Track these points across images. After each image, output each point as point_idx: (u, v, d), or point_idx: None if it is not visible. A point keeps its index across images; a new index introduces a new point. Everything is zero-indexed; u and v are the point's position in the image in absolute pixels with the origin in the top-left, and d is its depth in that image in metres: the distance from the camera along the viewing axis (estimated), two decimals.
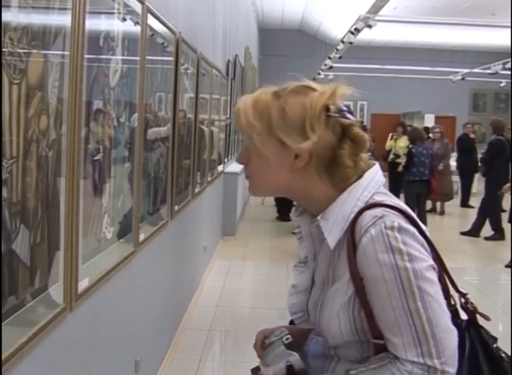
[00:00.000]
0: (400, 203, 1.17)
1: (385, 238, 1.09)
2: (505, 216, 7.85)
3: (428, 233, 1.16)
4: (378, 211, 1.12)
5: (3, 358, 1.35)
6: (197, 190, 4.62)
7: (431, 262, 1.13)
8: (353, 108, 16.13)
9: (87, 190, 1.93)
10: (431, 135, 10.46)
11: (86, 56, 1.80)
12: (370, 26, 8.14)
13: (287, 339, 1.28)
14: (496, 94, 18.03)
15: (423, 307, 1.08)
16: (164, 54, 3.17)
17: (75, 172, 1.75)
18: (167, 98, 3.31)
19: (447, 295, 1.20)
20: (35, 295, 1.54)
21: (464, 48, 16.21)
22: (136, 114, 2.52)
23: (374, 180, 1.19)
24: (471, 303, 1.26)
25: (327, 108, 1.15)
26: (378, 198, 1.16)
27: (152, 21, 2.71)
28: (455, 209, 10.50)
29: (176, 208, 3.65)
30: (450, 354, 1.09)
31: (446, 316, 1.12)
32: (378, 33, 11.46)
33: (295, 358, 1.25)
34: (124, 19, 2.27)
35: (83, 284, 1.88)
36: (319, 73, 14.95)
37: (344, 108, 1.18)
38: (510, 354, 1.26)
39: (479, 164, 9.20)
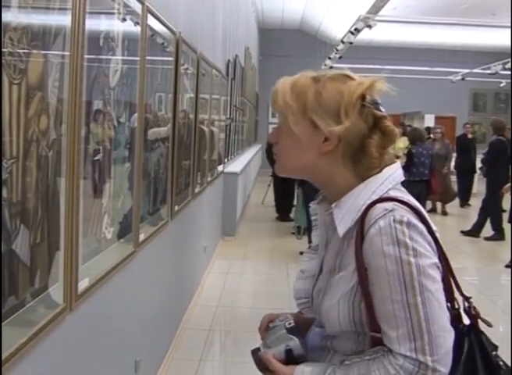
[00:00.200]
0: (414, 201, 1.19)
1: (393, 231, 1.11)
2: (505, 217, 7.85)
3: (437, 234, 1.18)
4: (389, 204, 1.14)
5: (3, 358, 1.35)
6: (197, 190, 4.62)
7: (435, 260, 1.14)
8: None
9: (87, 190, 1.93)
10: (431, 135, 10.47)
11: (86, 56, 1.80)
12: (370, 27, 8.14)
13: (290, 324, 1.30)
14: (495, 94, 18.04)
15: (422, 302, 1.09)
16: (164, 54, 3.17)
17: (75, 172, 1.75)
18: (167, 98, 3.31)
19: (452, 298, 1.21)
20: (35, 295, 1.54)
21: (464, 48, 16.22)
22: (136, 114, 2.52)
23: (392, 176, 1.21)
24: (474, 308, 1.26)
25: (363, 98, 1.18)
26: (393, 194, 1.18)
27: (152, 21, 2.71)
28: (455, 209, 10.50)
29: (176, 208, 3.65)
30: (444, 353, 1.09)
31: (445, 315, 1.12)
32: (378, 34, 11.47)
33: (295, 343, 1.26)
34: (124, 20, 2.27)
35: (83, 284, 1.88)
36: None
37: (378, 101, 1.21)
38: (509, 364, 1.26)
39: (480, 164, 9.20)
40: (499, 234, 8.04)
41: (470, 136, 10.91)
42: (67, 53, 1.67)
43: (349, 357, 1.17)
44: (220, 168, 6.71)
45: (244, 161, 9.58)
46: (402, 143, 9.32)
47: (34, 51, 1.46)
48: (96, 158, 2.01)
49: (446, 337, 1.11)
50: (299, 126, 1.21)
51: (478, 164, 9.77)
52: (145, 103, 2.68)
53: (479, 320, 1.26)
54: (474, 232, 8.15)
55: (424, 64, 14.81)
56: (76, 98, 1.73)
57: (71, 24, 1.68)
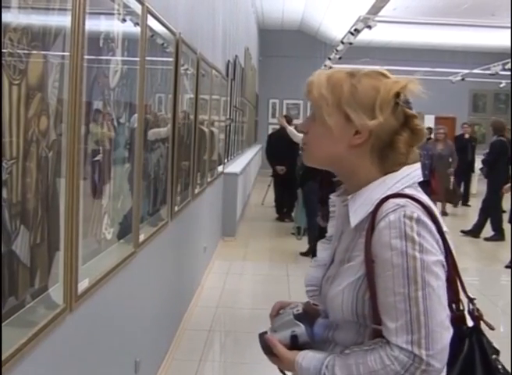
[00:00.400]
0: (427, 200, 1.22)
1: (402, 225, 1.14)
2: (505, 217, 7.85)
3: (447, 236, 1.20)
4: (402, 200, 1.17)
5: (3, 358, 1.34)
6: (196, 190, 4.62)
7: (441, 258, 1.16)
8: None
9: (87, 191, 1.93)
10: (432, 136, 10.48)
11: (86, 57, 1.80)
12: (370, 27, 8.14)
13: (297, 310, 1.33)
14: (495, 94, 18.04)
15: (423, 297, 1.11)
16: (164, 55, 3.17)
17: (75, 172, 1.75)
18: (167, 99, 3.31)
19: (457, 299, 1.23)
20: (35, 296, 1.54)
21: (464, 48, 16.22)
22: (136, 115, 2.52)
23: (410, 175, 1.24)
24: (478, 309, 1.28)
25: (397, 96, 1.23)
26: (408, 191, 1.21)
27: (152, 22, 2.71)
28: (454, 210, 10.50)
29: (176, 208, 3.65)
30: (440, 349, 1.11)
31: (445, 312, 1.14)
32: (378, 34, 11.47)
33: (301, 329, 1.29)
34: (124, 20, 2.27)
35: (83, 285, 1.88)
36: None
37: (410, 101, 1.25)
38: (509, 370, 1.26)
39: (481, 165, 9.21)
40: (499, 235, 8.04)
41: (467, 136, 10.93)
42: (67, 54, 1.67)
43: (349, 347, 1.20)
44: (220, 168, 6.71)
45: (244, 161, 9.59)
46: None
47: (34, 52, 1.46)
48: (96, 158, 2.01)
49: (444, 333, 1.12)
50: (332, 117, 1.24)
51: (478, 164, 9.78)
52: (145, 104, 2.68)
53: (482, 322, 1.27)
54: (475, 232, 8.15)
55: (424, 64, 14.79)
56: (76, 99, 1.73)
57: (71, 25, 1.68)
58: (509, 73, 10.98)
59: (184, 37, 3.58)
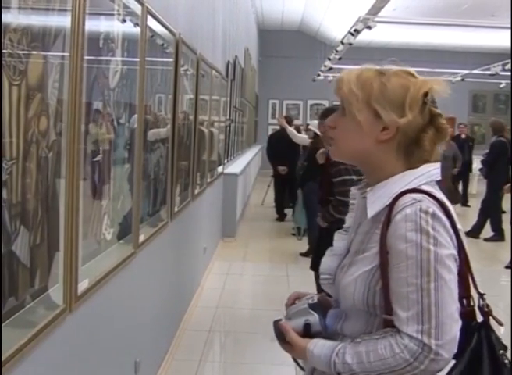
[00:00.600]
0: (444, 198, 1.26)
1: (418, 219, 1.18)
2: (505, 217, 7.85)
3: (462, 233, 1.25)
4: (418, 195, 1.22)
5: (3, 359, 1.34)
6: (196, 191, 4.62)
7: (454, 252, 1.21)
8: None
9: (87, 191, 1.93)
10: None
11: (86, 57, 1.80)
12: (369, 28, 8.13)
13: (312, 300, 1.37)
14: (495, 95, 18.04)
15: (435, 288, 1.16)
16: (164, 55, 3.17)
17: (75, 173, 1.75)
18: (167, 99, 3.31)
19: (468, 294, 1.27)
20: (35, 296, 1.54)
21: (464, 49, 16.21)
22: (136, 115, 2.52)
23: (428, 173, 1.28)
24: (487, 305, 1.31)
25: (425, 95, 1.28)
26: (425, 188, 1.25)
27: (152, 22, 2.71)
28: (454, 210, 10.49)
29: (176, 209, 3.65)
30: (449, 339, 1.15)
31: (455, 305, 1.18)
32: (378, 35, 11.46)
33: (314, 318, 1.33)
34: (124, 21, 2.27)
35: (82, 285, 1.88)
36: (319, 75, 14.96)
37: (435, 100, 1.31)
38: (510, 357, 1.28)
39: (480, 165, 9.21)
40: (498, 235, 8.04)
41: (463, 136, 10.96)
42: (67, 54, 1.67)
43: (359, 336, 1.24)
44: (220, 169, 6.71)
45: (244, 162, 9.59)
46: None
47: (34, 52, 1.46)
48: (96, 159, 2.01)
49: (453, 325, 1.17)
50: (362, 113, 1.28)
51: (477, 165, 9.78)
52: (145, 104, 2.68)
53: (491, 318, 1.31)
54: (474, 233, 8.14)
55: (423, 65, 14.77)
56: (76, 99, 1.73)
57: (71, 25, 1.68)
58: (509, 73, 10.98)
59: (184, 37, 3.58)
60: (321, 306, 1.36)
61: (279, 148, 8.71)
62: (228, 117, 7.46)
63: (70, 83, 1.69)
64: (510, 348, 1.34)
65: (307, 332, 1.32)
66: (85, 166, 1.88)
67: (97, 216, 2.06)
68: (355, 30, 8.55)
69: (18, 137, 1.39)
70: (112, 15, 2.14)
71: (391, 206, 1.23)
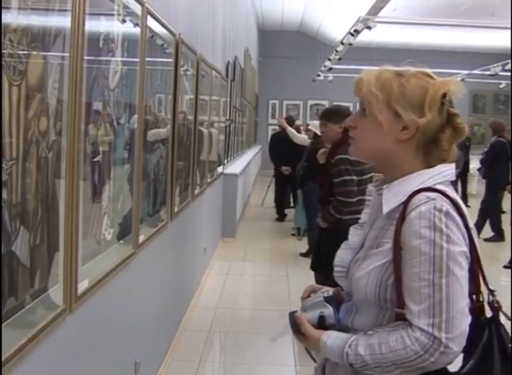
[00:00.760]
0: (457, 198, 1.30)
1: (431, 217, 1.22)
2: (505, 218, 7.85)
3: (474, 232, 1.29)
4: (432, 194, 1.26)
5: (3, 359, 1.34)
6: (196, 191, 4.62)
7: (465, 249, 1.24)
8: (353, 109, 16.10)
9: (87, 191, 1.93)
10: None
11: (85, 58, 1.80)
12: (369, 28, 8.13)
13: (328, 293, 1.42)
14: (495, 95, 18.03)
15: (446, 284, 1.20)
16: (163, 55, 3.17)
17: (75, 173, 1.75)
18: (167, 100, 3.31)
19: (478, 291, 1.31)
20: (35, 297, 1.54)
21: (464, 49, 16.21)
22: (135, 115, 2.52)
23: (443, 173, 1.33)
24: (497, 301, 1.34)
25: (444, 96, 1.32)
26: (439, 187, 1.29)
27: (152, 23, 2.71)
28: None
29: (176, 209, 3.65)
30: (458, 333, 1.19)
31: (465, 300, 1.23)
32: (378, 35, 11.46)
33: (329, 311, 1.38)
34: (124, 21, 2.27)
35: (82, 286, 1.88)
36: (319, 75, 14.96)
37: (452, 101, 1.35)
38: None
39: (479, 165, 9.21)
40: (498, 235, 8.03)
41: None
42: (67, 54, 1.67)
43: (372, 329, 1.29)
44: (220, 169, 6.71)
45: (244, 162, 9.59)
46: None
47: (34, 53, 1.46)
48: (96, 159, 2.01)
49: (463, 319, 1.21)
50: (382, 113, 1.32)
51: (474, 165, 9.78)
52: (145, 104, 2.69)
53: (500, 313, 1.34)
54: None
55: (423, 65, 14.80)
56: (76, 100, 1.73)
57: (71, 25, 1.68)
58: (509, 73, 10.97)
59: (184, 37, 3.58)
60: (336, 300, 1.41)
61: (280, 149, 8.71)
62: (228, 117, 7.46)
63: (70, 84, 1.69)
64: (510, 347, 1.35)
65: (322, 324, 1.36)
66: (85, 167, 1.88)
67: (97, 216, 2.06)
68: (355, 31, 8.54)
69: (18, 137, 1.39)
70: (112, 15, 2.14)
71: (406, 204, 1.27)
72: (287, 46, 17.16)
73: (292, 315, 1.43)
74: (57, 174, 1.65)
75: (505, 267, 6.47)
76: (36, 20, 1.48)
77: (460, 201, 1.30)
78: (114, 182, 2.25)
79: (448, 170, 1.33)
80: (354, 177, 3.78)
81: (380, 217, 1.36)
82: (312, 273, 4.27)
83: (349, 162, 3.78)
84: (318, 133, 5.87)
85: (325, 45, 16.05)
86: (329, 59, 11.95)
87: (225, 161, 7.50)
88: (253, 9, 13.04)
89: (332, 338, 1.31)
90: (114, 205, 2.27)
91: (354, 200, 3.78)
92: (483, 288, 1.33)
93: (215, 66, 5.61)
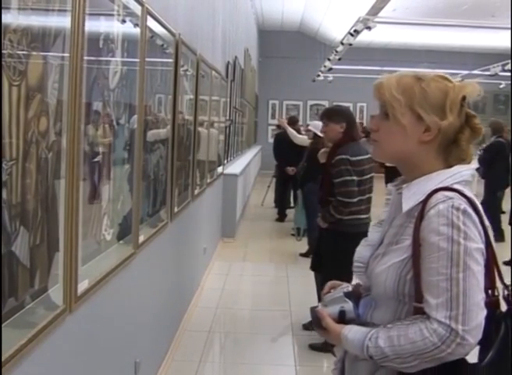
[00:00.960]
0: (473, 197, 1.36)
1: (450, 215, 1.28)
2: (504, 218, 7.85)
3: (489, 230, 1.36)
4: (450, 193, 1.32)
5: (3, 359, 1.34)
6: (196, 191, 4.62)
7: (481, 246, 1.31)
8: (353, 109, 16.09)
9: (87, 192, 1.93)
10: None
11: (85, 58, 1.80)
12: (369, 28, 8.13)
13: (347, 289, 1.48)
14: (495, 95, 18.03)
15: (463, 278, 1.26)
16: (163, 56, 3.17)
17: (74, 174, 1.75)
18: (166, 100, 3.31)
19: (493, 285, 1.36)
20: (35, 297, 1.54)
21: (464, 49, 16.21)
22: (135, 116, 2.52)
23: (460, 174, 1.38)
24: None
25: (463, 99, 1.39)
26: (457, 187, 1.35)
27: (152, 23, 2.71)
28: None
29: (176, 209, 3.65)
30: (474, 326, 1.25)
31: (481, 295, 1.28)
32: (378, 35, 11.47)
33: (349, 306, 1.43)
34: (124, 21, 2.27)
35: (82, 286, 1.88)
36: (319, 75, 14.96)
37: (469, 102, 1.42)
38: None
39: (477, 165, 9.20)
40: (498, 236, 8.03)
41: None
42: (67, 55, 1.67)
43: (391, 322, 1.34)
44: (220, 169, 6.71)
45: (244, 162, 9.58)
46: None
47: (34, 53, 1.46)
48: (95, 159, 2.01)
49: (479, 313, 1.26)
50: (405, 117, 1.38)
51: (474, 165, 9.76)
52: (145, 105, 2.69)
53: None
54: None
55: (423, 66, 14.82)
56: (76, 100, 1.73)
57: (71, 26, 1.68)
58: (508, 74, 10.98)
59: (184, 38, 3.58)
60: (355, 295, 1.46)
61: (283, 149, 8.69)
62: (228, 118, 7.46)
63: (70, 84, 1.69)
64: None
65: (342, 318, 1.42)
66: (85, 167, 1.88)
67: (97, 217, 2.06)
68: (355, 31, 8.55)
69: (18, 137, 1.39)
70: (112, 15, 2.14)
71: (424, 202, 1.32)
72: (287, 46, 17.17)
73: (313, 310, 1.48)
74: (57, 174, 1.65)
75: (505, 263, 6.46)
76: (36, 20, 1.48)
77: (476, 200, 1.35)
78: (114, 182, 2.25)
79: (465, 171, 1.39)
80: (355, 178, 3.78)
81: (399, 215, 1.41)
82: (312, 274, 4.27)
83: (349, 162, 3.78)
84: (318, 133, 5.87)
85: (325, 45, 16.05)
86: (329, 59, 11.96)
87: (225, 161, 7.51)
88: (253, 9, 13.04)
89: (352, 332, 1.37)
90: (114, 206, 2.27)
91: (355, 200, 3.78)
92: (498, 284, 1.39)
93: (215, 66, 5.61)
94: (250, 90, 12.22)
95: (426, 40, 14.99)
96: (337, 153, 3.84)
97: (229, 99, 7.51)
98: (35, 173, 1.50)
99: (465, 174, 1.39)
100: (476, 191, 11.37)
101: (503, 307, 1.38)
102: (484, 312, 1.27)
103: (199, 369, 3.68)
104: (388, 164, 10.67)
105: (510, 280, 1.45)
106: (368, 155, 3.95)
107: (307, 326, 4.28)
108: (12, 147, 1.36)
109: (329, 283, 1.60)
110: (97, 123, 2.00)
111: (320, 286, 4.19)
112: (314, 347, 3.99)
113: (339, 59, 11.19)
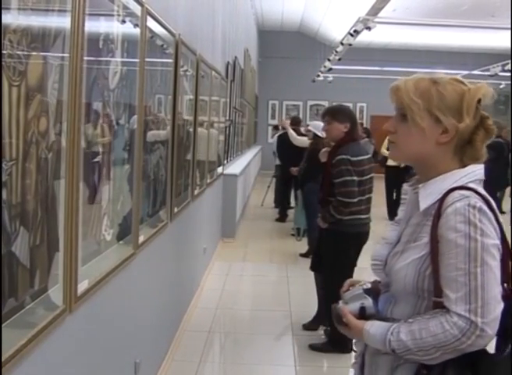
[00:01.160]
0: (487, 195, 1.41)
1: (466, 213, 1.34)
2: (505, 218, 7.83)
3: (504, 226, 1.40)
4: (466, 192, 1.38)
5: (3, 359, 1.34)
6: (196, 192, 4.62)
7: (497, 242, 1.36)
8: (353, 110, 16.06)
9: (87, 192, 1.93)
10: None
11: (85, 58, 1.80)
12: (369, 28, 8.14)
13: (366, 286, 1.52)
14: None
15: (481, 273, 1.31)
16: (163, 56, 3.17)
17: (74, 174, 1.75)
18: (166, 100, 3.31)
19: (508, 279, 1.40)
20: (35, 297, 1.54)
21: (463, 49, 16.21)
22: (135, 116, 2.52)
23: (474, 173, 1.44)
24: None
25: (479, 101, 1.45)
26: (471, 185, 1.41)
27: (152, 23, 2.71)
28: None
29: (176, 210, 3.65)
30: (492, 318, 1.30)
31: (498, 288, 1.33)
32: (378, 35, 11.47)
33: (369, 302, 1.48)
34: (123, 21, 2.27)
35: (82, 286, 1.88)
36: (318, 75, 14.96)
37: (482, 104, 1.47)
38: None
39: None
40: None
41: None
42: (67, 55, 1.67)
43: (412, 316, 1.40)
44: (219, 170, 6.71)
45: (244, 162, 9.59)
46: None
47: (34, 53, 1.46)
48: (95, 160, 2.01)
49: (496, 306, 1.32)
50: (424, 120, 1.43)
51: None
52: (145, 105, 2.69)
53: None
54: None
55: (423, 66, 14.80)
56: (76, 100, 1.73)
57: (70, 26, 1.68)
58: (508, 74, 10.98)
59: (184, 38, 3.58)
60: (374, 292, 1.51)
61: (284, 150, 8.69)
62: (227, 118, 7.46)
63: (70, 84, 1.69)
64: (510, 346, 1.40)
65: (363, 315, 1.47)
66: (85, 167, 1.88)
67: (97, 217, 2.06)
68: (355, 31, 8.55)
69: (18, 137, 1.39)
70: (112, 16, 2.14)
71: (441, 201, 1.38)
72: (287, 46, 17.17)
73: (334, 307, 1.53)
74: (57, 175, 1.65)
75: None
76: (36, 21, 1.48)
77: (491, 199, 1.40)
78: (114, 182, 2.25)
79: (478, 170, 1.45)
80: (355, 178, 3.78)
81: (416, 214, 1.47)
82: (312, 274, 4.27)
83: (350, 162, 3.78)
84: (318, 133, 5.87)
85: (325, 46, 16.06)
86: (329, 60, 11.96)
87: (225, 161, 7.51)
88: (253, 10, 13.04)
89: (374, 327, 1.42)
90: (114, 206, 2.27)
91: (355, 200, 3.78)
92: None
93: (215, 67, 5.61)
94: (249, 90, 12.22)
95: (426, 40, 14.99)
96: (338, 153, 3.84)
97: (228, 99, 7.51)
98: (35, 173, 1.50)
99: (479, 173, 1.44)
100: None
101: None
102: (501, 305, 1.32)
103: (199, 370, 3.68)
104: (388, 164, 10.66)
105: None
106: (369, 156, 3.95)
107: (307, 327, 4.29)
108: (12, 147, 1.36)
109: (348, 281, 1.64)
110: (96, 123, 2.00)
111: (320, 286, 4.19)
112: (314, 347, 3.99)
113: (339, 59, 11.19)
